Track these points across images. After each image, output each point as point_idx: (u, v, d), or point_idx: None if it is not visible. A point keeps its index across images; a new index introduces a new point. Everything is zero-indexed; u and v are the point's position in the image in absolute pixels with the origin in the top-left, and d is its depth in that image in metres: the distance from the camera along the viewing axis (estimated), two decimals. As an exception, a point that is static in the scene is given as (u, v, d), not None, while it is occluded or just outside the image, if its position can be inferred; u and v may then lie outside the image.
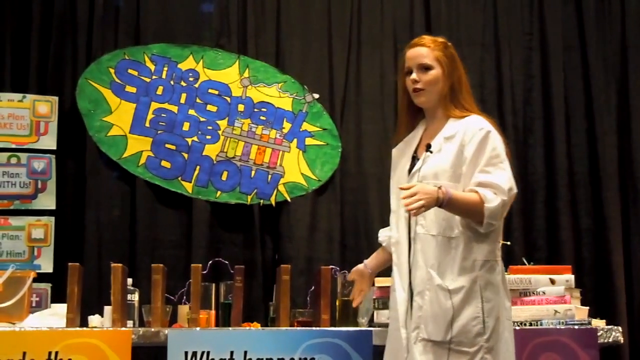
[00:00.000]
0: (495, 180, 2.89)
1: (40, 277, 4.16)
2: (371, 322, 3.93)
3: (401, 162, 3.17)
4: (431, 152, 3.00)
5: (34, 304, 4.10)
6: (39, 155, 4.50)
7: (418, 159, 3.07)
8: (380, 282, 3.95)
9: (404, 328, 2.96)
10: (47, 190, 4.48)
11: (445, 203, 2.81)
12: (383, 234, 3.34)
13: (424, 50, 3.11)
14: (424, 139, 3.12)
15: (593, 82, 5.04)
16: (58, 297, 4.27)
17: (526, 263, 4.20)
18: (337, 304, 3.96)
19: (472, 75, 4.96)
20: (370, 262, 3.39)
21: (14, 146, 4.48)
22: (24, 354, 3.38)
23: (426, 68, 3.08)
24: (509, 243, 4.24)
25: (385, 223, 4.68)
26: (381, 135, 4.87)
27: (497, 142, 2.99)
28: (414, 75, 3.08)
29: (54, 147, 4.52)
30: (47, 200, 4.48)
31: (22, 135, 4.49)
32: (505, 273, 3.86)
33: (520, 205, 4.85)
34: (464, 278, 2.90)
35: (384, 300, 3.88)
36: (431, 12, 5.04)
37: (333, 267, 4.25)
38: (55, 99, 4.57)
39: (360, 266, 3.41)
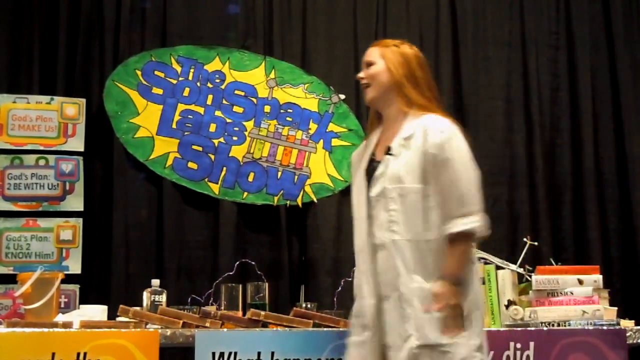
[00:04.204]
0: (465, 202, 2.83)
1: (69, 278, 4.19)
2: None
3: (361, 167, 3.09)
4: (392, 154, 2.95)
5: (62, 305, 4.13)
6: (67, 157, 4.52)
7: (377, 162, 3.01)
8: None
9: (374, 335, 2.91)
10: (75, 191, 4.50)
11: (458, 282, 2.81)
12: None
13: (372, 50, 3.13)
14: (381, 141, 3.06)
15: (620, 81, 5.01)
16: (86, 298, 4.31)
17: (554, 263, 4.18)
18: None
19: (499, 75, 4.99)
20: None
21: (42, 148, 4.51)
22: (53, 354, 3.39)
23: (370, 64, 3.08)
24: (536, 244, 4.23)
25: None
26: (407, 135, 4.86)
27: (460, 143, 2.93)
28: (361, 73, 3.09)
29: (82, 149, 4.54)
30: (75, 202, 4.50)
31: (50, 137, 4.52)
32: (533, 274, 3.89)
33: (548, 205, 4.83)
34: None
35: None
36: (457, 11, 5.03)
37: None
38: (83, 101, 4.59)
39: None
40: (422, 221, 2.86)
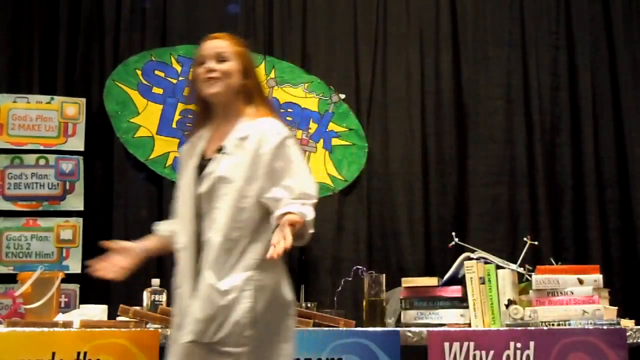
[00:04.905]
0: (302, 189, 2.86)
1: (69, 278, 4.19)
2: (398, 322, 3.92)
3: (189, 164, 3.04)
4: (224, 153, 2.93)
5: (62, 305, 4.13)
6: (67, 156, 4.52)
7: (207, 160, 2.98)
8: (409, 282, 3.95)
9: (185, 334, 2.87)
10: (75, 191, 4.50)
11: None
12: (165, 227, 3.19)
13: (224, 43, 3.05)
14: (213, 140, 3.03)
15: (621, 81, 4.99)
16: (86, 297, 4.30)
17: (554, 263, 4.18)
18: (364, 304, 3.96)
19: (499, 75, 4.99)
20: (149, 244, 3.17)
21: (42, 148, 4.51)
22: (53, 354, 3.40)
23: (223, 59, 3.01)
24: (536, 243, 4.22)
25: (412, 221, 4.74)
26: (407, 135, 4.86)
27: (294, 148, 2.95)
28: (209, 64, 2.99)
29: (82, 149, 4.54)
30: (76, 202, 4.50)
31: (50, 136, 4.52)
32: (533, 273, 3.89)
33: (548, 205, 4.83)
34: (239, 277, 2.82)
35: (411, 300, 3.89)
36: (457, 11, 5.02)
37: (359, 267, 4.26)
38: (83, 100, 4.59)
39: (132, 243, 3.16)
40: (235, 220, 2.85)
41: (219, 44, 3.03)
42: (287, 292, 2.96)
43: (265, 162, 2.89)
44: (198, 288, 2.85)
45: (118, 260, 3.06)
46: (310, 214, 2.82)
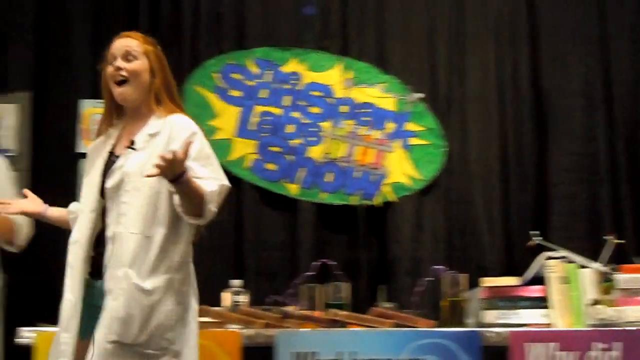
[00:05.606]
0: (210, 174, 2.84)
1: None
2: (478, 323, 3.89)
3: (97, 161, 3.00)
4: (134, 149, 2.90)
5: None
6: (148, 160, 4.59)
7: (116, 156, 2.95)
8: (488, 282, 3.92)
9: (66, 332, 2.83)
10: (156, 194, 4.56)
11: (182, 180, 2.70)
12: (75, 207, 3.15)
13: (133, 42, 3.01)
14: (122, 137, 3.00)
15: None
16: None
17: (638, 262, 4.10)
18: (444, 304, 3.93)
19: (578, 70, 4.90)
20: (53, 211, 3.22)
21: (123, 152, 4.58)
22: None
23: (132, 58, 2.97)
24: (623, 242, 4.15)
25: (491, 220, 4.70)
26: (486, 132, 4.82)
27: (204, 143, 2.93)
28: (118, 62, 2.96)
29: (162, 152, 4.61)
30: (157, 204, 4.56)
31: (132, 140, 4.59)
32: (617, 272, 3.82)
33: (631, 203, 4.74)
34: (161, 278, 2.80)
35: (492, 300, 3.85)
36: (535, 5, 4.95)
37: (439, 266, 4.24)
38: (163, 104, 4.66)
39: (40, 201, 3.23)
40: (150, 217, 2.82)
41: (128, 42, 3.01)
42: (195, 297, 2.98)
43: None
44: (109, 285, 2.80)
45: (23, 203, 3.20)
46: (212, 187, 2.80)
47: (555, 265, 3.80)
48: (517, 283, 3.89)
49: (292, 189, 4.69)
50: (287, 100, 4.77)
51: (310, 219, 4.68)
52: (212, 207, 2.82)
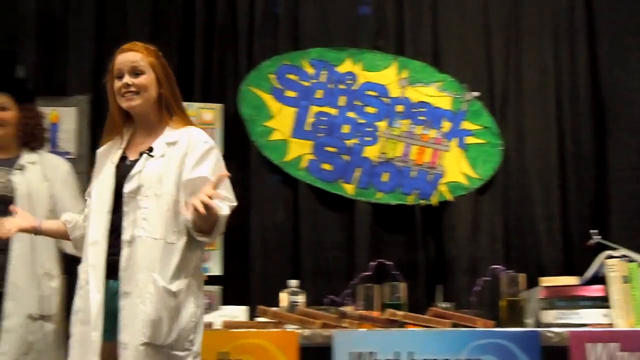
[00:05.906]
0: (224, 194, 2.90)
1: (211, 280, 4.29)
2: (537, 323, 3.86)
3: (107, 165, 3.06)
4: (152, 155, 2.97)
5: (205, 307, 4.23)
6: (205, 161, 4.62)
7: (130, 161, 3.02)
8: (547, 281, 3.89)
9: (95, 331, 2.85)
10: (213, 195, 4.60)
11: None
12: (69, 216, 3.23)
13: (138, 56, 3.05)
14: (134, 144, 3.08)
15: None
16: (227, 299, 4.40)
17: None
18: (502, 304, 3.91)
19: (637, 65, 4.81)
20: (49, 223, 3.28)
21: (181, 153, 4.63)
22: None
23: (139, 72, 3.03)
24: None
25: (549, 219, 4.65)
26: (543, 130, 4.76)
27: (219, 158, 3.03)
28: (126, 79, 3.01)
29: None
30: (214, 205, 4.60)
31: (189, 142, 4.63)
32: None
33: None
34: (183, 282, 2.89)
35: (551, 300, 3.81)
36: (592, 1, 4.89)
37: (497, 266, 4.21)
38: (219, 106, 4.70)
39: (32, 216, 3.29)
40: (171, 223, 2.91)
41: (133, 57, 3.06)
42: (202, 304, 3.06)
43: (188, 168, 2.97)
44: (127, 287, 2.87)
45: (15, 221, 3.20)
46: (225, 210, 2.89)
47: (615, 264, 3.76)
48: (576, 282, 3.85)
49: (348, 189, 4.69)
50: (342, 101, 4.77)
51: (367, 219, 4.67)
52: (221, 229, 2.92)
